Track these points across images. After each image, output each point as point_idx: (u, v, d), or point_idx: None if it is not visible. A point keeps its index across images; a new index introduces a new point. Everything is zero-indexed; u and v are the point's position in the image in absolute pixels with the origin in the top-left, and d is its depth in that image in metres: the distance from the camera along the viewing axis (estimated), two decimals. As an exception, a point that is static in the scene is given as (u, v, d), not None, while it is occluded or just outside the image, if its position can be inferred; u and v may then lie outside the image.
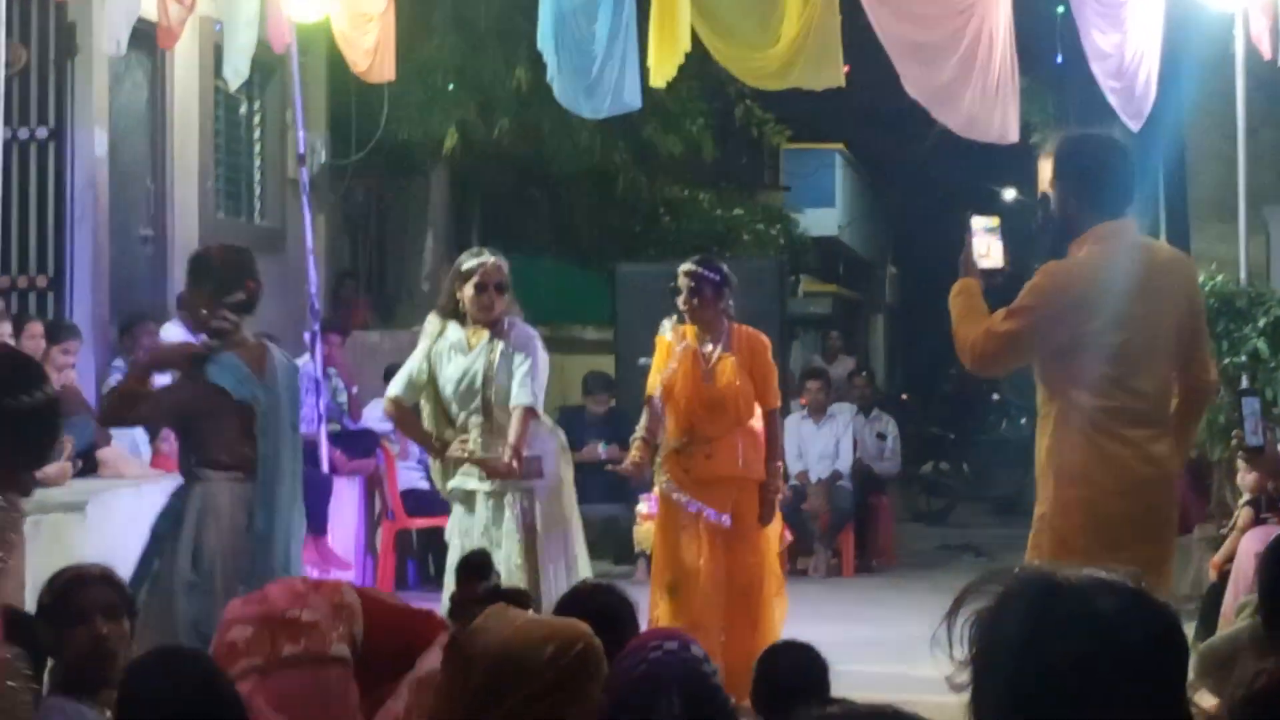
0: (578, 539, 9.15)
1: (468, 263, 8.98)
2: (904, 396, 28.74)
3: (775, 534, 9.91)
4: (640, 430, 9.73)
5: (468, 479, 8.93)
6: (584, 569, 9.02)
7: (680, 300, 9.47)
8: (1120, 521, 6.41)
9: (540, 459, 8.90)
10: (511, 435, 8.71)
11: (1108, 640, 2.29)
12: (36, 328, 11.43)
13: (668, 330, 9.68)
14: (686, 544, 9.46)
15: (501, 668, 4.01)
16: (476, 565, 6.04)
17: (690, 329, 9.56)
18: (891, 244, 42.51)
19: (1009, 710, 2.30)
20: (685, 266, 9.57)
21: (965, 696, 2.34)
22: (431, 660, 4.92)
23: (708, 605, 9.33)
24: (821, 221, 30.92)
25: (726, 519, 9.37)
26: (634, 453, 9.66)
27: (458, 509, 9.02)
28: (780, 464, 10.02)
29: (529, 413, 8.77)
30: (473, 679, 4.06)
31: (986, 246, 6.93)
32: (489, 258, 8.98)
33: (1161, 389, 6.56)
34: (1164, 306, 6.56)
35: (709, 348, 9.52)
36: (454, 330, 8.96)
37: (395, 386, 9.11)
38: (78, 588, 5.28)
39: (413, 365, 9.05)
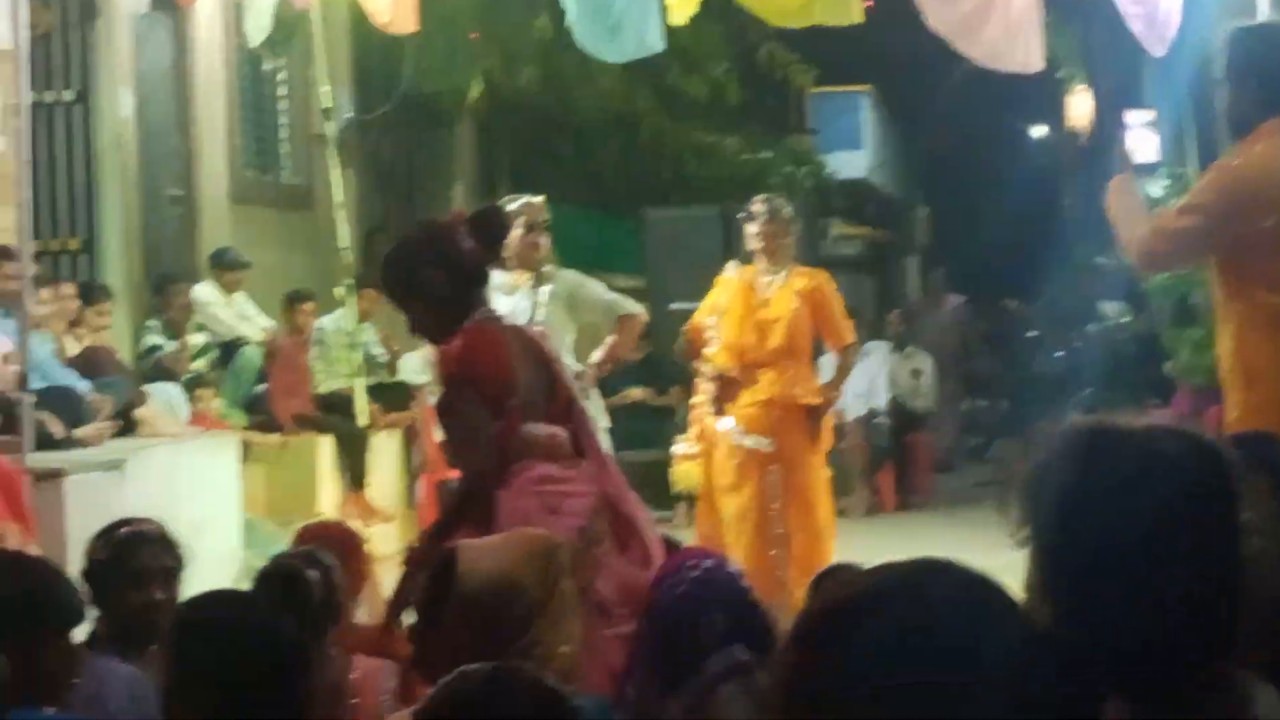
0: None
1: (510, 205, 8.97)
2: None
3: (825, 473, 9.83)
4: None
5: None
6: None
7: (754, 226, 9.49)
8: None
9: None
10: (614, 344, 9.13)
11: (1165, 477, 2.31)
12: (69, 288, 11.47)
13: (731, 270, 9.70)
14: (733, 483, 9.44)
15: (498, 595, 4.10)
16: None
17: (753, 268, 9.59)
18: (922, 185, 42.36)
19: (1064, 554, 2.32)
20: (760, 196, 9.81)
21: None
22: None
23: (762, 542, 9.30)
24: (850, 164, 30.80)
25: (766, 442, 9.34)
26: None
27: None
28: (837, 393, 10.01)
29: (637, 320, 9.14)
30: (470, 612, 4.14)
31: (1142, 141, 6.78)
32: (531, 197, 9.02)
33: None
34: None
35: (769, 278, 9.53)
36: (495, 275, 8.94)
37: None
38: (135, 547, 5.26)
39: None
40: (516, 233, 8.83)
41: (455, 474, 13.74)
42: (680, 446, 13.62)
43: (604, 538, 5.79)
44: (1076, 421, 2.41)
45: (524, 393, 5.92)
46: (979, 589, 2.07)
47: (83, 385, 10.88)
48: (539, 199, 9.02)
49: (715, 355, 9.54)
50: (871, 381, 16.34)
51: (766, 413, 9.42)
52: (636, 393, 15.47)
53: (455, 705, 3.06)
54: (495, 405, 5.88)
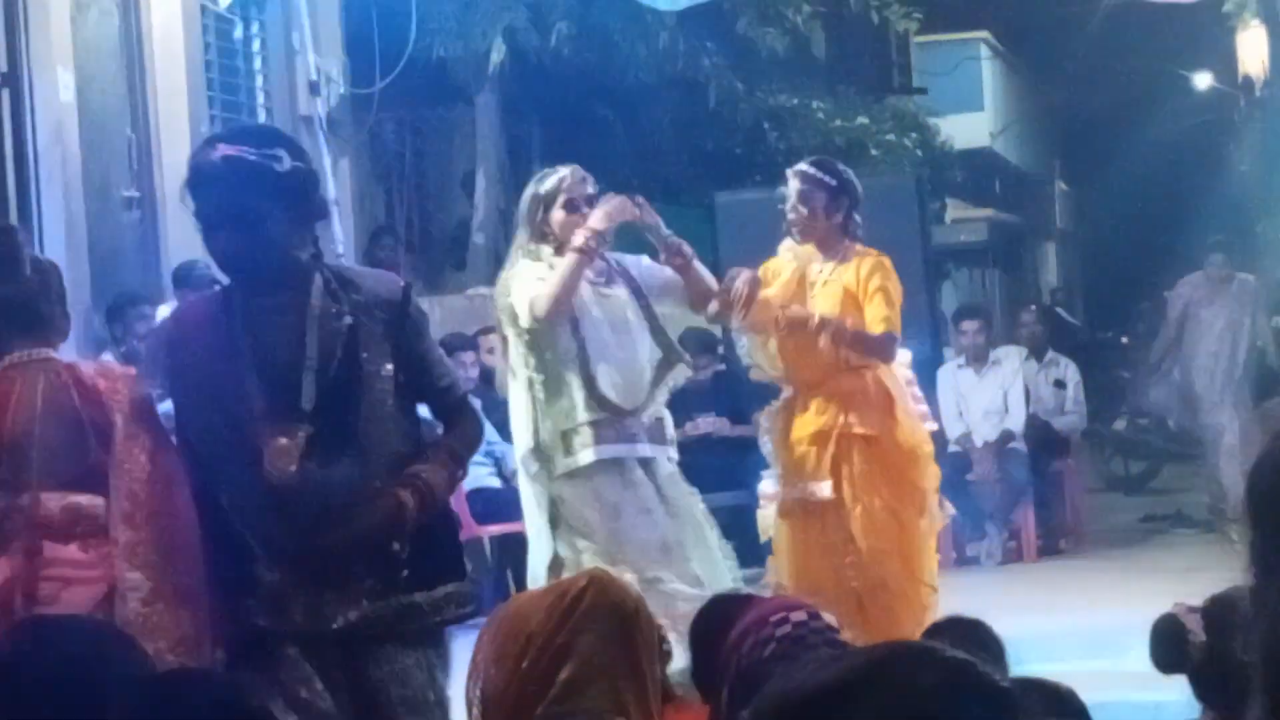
0: None
1: (544, 184, 8.84)
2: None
3: (918, 509, 9.49)
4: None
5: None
6: None
7: (787, 207, 9.24)
8: None
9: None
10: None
11: None
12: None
13: (784, 252, 9.40)
14: (806, 545, 9.35)
15: (511, 628, 4.13)
16: None
17: (808, 249, 9.31)
18: (1060, 153, 42.33)
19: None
20: (796, 167, 9.35)
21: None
22: None
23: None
24: (969, 129, 30.81)
25: (825, 487, 9.12)
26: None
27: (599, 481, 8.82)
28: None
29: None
30: (489, 649, 4.19)
31: None
32: (564, 170, 8.89)
33: None
34: None
35: (818, 269, 9.26)
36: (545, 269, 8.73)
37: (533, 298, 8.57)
38: None
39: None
40: (558, 215, 8.75)
41: (490, 530, 13.81)
42: (767, 484, 13.52)
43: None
44: None
45: (37, 456, 5.83)
46: (961, 675, 2.27)
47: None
48: (568, 171, 8.88)
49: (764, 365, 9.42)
50: (1005, 396, 16.21)
51: (820, 446, 9.19)
52: (707, 423, 15.29)
53: None
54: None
